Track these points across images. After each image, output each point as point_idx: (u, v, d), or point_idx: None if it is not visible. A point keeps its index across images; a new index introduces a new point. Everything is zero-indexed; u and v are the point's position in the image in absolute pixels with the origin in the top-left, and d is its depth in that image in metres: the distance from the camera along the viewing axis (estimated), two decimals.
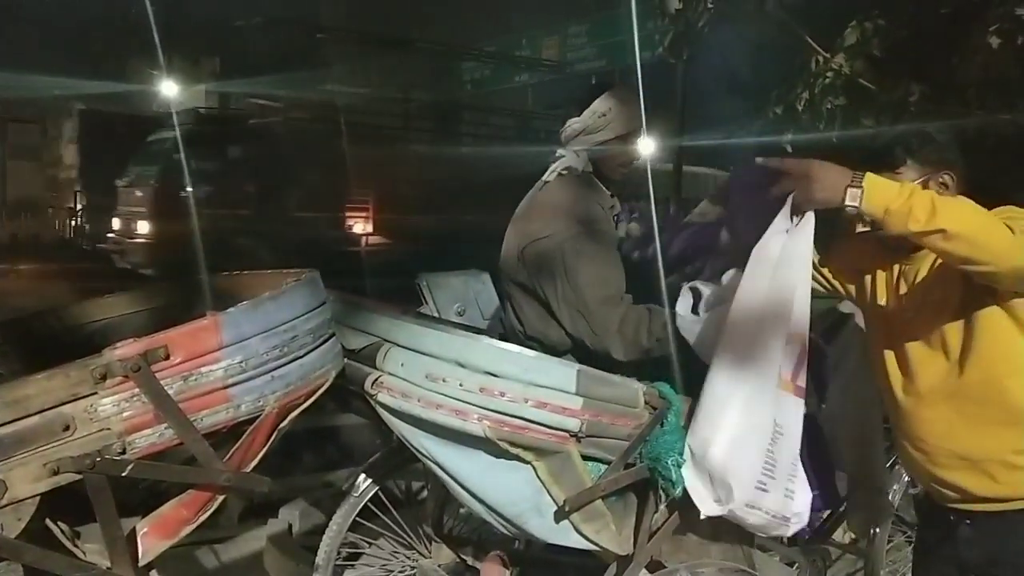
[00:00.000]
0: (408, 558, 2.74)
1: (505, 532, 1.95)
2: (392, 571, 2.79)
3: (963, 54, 4.07)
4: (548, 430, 1.66)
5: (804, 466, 2.47)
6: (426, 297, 3.60)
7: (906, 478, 3.11)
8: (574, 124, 2.49)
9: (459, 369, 1.65)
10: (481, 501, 1.84)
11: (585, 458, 1.76)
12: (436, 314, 3.50)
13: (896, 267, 1.94)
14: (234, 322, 1.39)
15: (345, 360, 1.83)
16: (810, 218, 1.78)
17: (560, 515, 1.76)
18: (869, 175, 1.67)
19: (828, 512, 2.78)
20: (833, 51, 4.55)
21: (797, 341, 1.83)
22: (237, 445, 1.43)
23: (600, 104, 2.46)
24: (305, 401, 1.51)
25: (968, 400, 1.81)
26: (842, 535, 3.15)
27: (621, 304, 2.24)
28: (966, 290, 1.76)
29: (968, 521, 1.87)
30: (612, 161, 2.51)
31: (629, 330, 2.19)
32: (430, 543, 2.66)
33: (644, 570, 2.00)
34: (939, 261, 1.78)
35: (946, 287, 1.80)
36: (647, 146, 2.82)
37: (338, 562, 2.75)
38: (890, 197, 1.63)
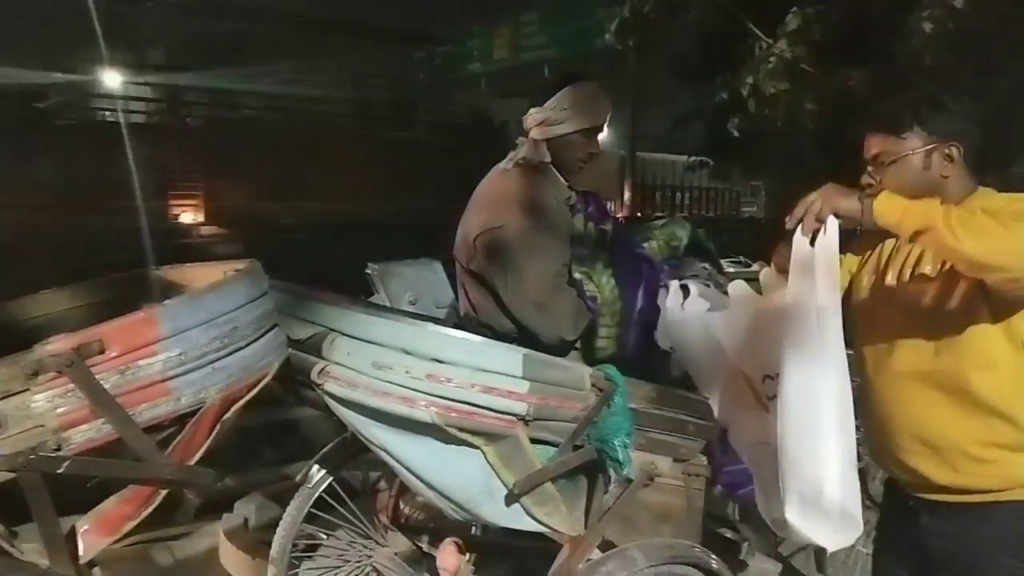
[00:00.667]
0: (365, 547, 2.74)
1: (458, 518, 1.95)
2: (349, 561, 2.79)
3: (899, 39, 4.17)
4: (496, 415, 1.67)
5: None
6: (377, 287, 3.58)
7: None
8: (535, 114, 2.47)
9: (406, 357, 1.65)
10: (432, 487, 1.84)
11: (534, 441, 1.77)
12: (388, 303, 3.49)
13: (883, 246, 1.94)
14: (172, 314, 1.37)
15: (291, 351, 1.82)
16: (833, 224, 1.71)
17: (511, 499, 1.77)
18: (882, 195, 1.68)
19: None
20: (776, 37, 4.63)
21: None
22: (179, 439, 1.41)
23: (564, 96, 2.45)
24: (248, 393, 1.49)
25: (937, 386, 1.78)
26: None
27: (565, 291, 2.28)
28: (950, 276, 1.73)
29: (929, 512, 1.85)
30: (571, 154, 2.50)
31: (571, 316, 2.24)
32: (386, 532, 2.66)
33: (596, 550, 2.03)
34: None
35: (932, 270, 1.78)
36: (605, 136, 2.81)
37: (294, 554, 2.74)
38: (896, 209, 1.65)
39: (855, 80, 4.48)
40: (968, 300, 1.72)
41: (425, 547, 2.54)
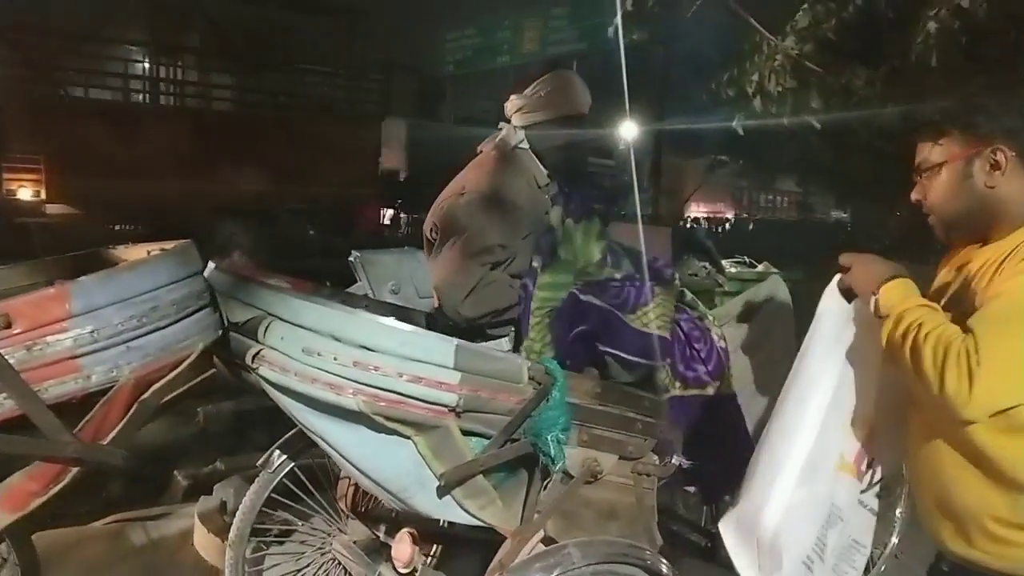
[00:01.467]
0: (326, 534, 2.74)
1: (397, 507, 1.94)
2: (308, 549, 2.79)
3: (907, 39, 4.07)
4: (424, 404, 1.65)
5: (725, 453, 2.49)
6: (359, 275, 3.57)
7: None
8: (515, 100, 2.52)
9: (334, 343, 1.63)
10: (367, 476, 1.83)
11: (469, 433, 1.75)
12: (369, 292, 3.48)
13: (943, 286, 1.70)
14: (84, 291, 1.36)
15: (231, 333, 1.82)
16: (866, 306, 1.62)
17: (441, 490, 1.75)
18: (896, 283, 1.55)
19: None
20: (784, 34, 4.55)
21: (861, 425, 1.73)
22: (89, 417, 1.40)
23: (540, 85, 2.49)
24: (169, 373, 1.48)
25: (961, 447, 1.52)
26: None
27: (481, 268, 2.25)
28: None
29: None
30: (547, 141, 2.51)
31: (476, 293, 2.21)
32: (346, 520, 2.65)
33: (541, 545, 2.00)
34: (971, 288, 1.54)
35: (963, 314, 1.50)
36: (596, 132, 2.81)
37: (262, 539, 2.76)
38: (890, 306, 1.53)
39: (863, 80, 4.39)
40: None
41: (383, 536, 2.53)
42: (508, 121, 2.55)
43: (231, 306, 1.87)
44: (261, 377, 1.72)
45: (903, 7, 4.30)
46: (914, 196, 1.65)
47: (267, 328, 1.72)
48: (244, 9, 13.78)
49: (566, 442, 1.78)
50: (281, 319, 1.72)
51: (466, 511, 1.80)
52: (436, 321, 2.74)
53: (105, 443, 1.44)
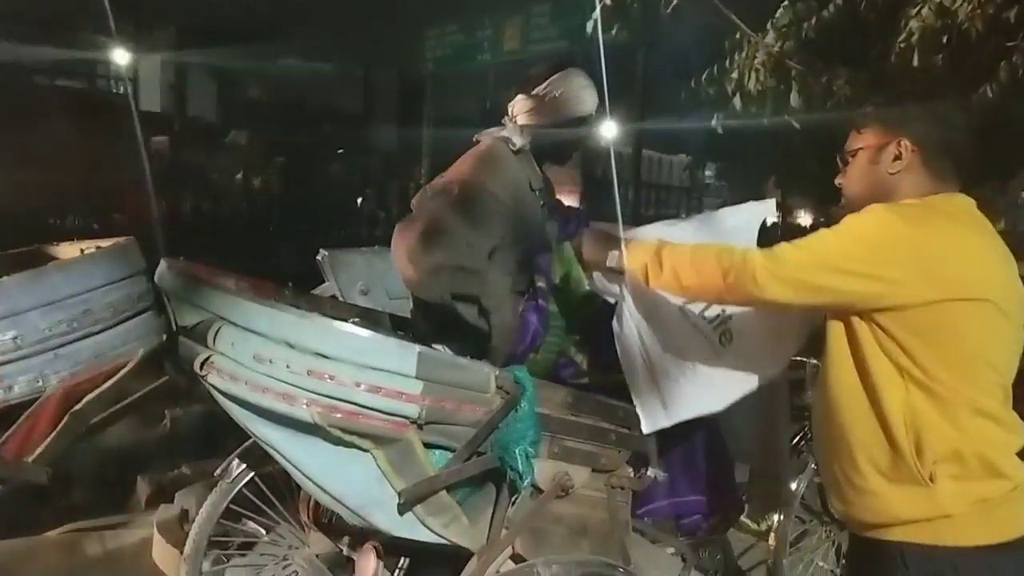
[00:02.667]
0: (288, 547, 2.62)
1: (357, 524, 1.83)
2: (270, 561, 2.68)
3: (889, 39, 4.01)
4: (384, 416, 1.54)
5: (699, 466, 2.41)
6: (328, 274, 3.46)
7: (812, 465, 3.07)
8: (524, 100, 2.39)
9: (287, 350, 1.52)
10: (324, 490, 1.72)
11: (431, 446, 1.65)
12: (338, 293, 3.37)
13: None
14: (4, 294, 1.24)
15: (180, 338, 1.70)
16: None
17: (401, 507, 1.64)
18: (630, 242, 1.89)
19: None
20: (765, 31, 4.47)
21: None
22: (12, 430, 1.28)
23: (553, 85, 2.37)
24: (104, 382, 1.36)
25: (825, 412, 1.73)
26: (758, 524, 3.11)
27: (450, 250, 2.06)
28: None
29: (852, 543, 1.81)
30: (556, 142, 2.40)
31: (444, 275, 2.01)
32: (308, 532, 2.54)
33: (510, 562, 1.90)
34: None
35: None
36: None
37: (225, 552, 2.64)
38: (634, 261, 1.84)
39: (843, 80, 4.32)
40: (834, 323, 1.68)
41: (346, 550, 2.42)
42: (512, 119, 2.41)
43: (181, 309, 1.76)
44: (209, 385, 1.60)
45: (885, 6, 4.24)
46: (837, 180, 1.85)
47: (217, 333, 1.61)
48: None
49: (535, 455, 1.68)
50: (232, 323, 1.61)
51: (428, 529, 1.70)
52: (408, 325, 2.62)
53: (31, 459, 1.31)
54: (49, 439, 1.31)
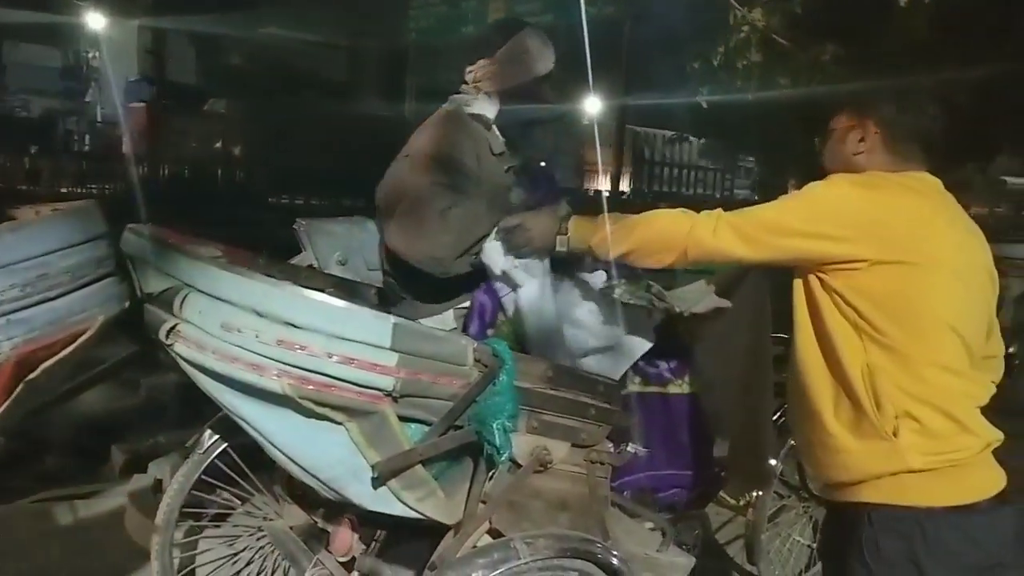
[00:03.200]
0: (262, 518, 2.59)
1: (330, 497, 1.79)
2: (244, 533, 2.64)
3: (876, 15, 3.97)
4: (357, 388, 1.49)
5: (678, 440, 2.39)
6: (305, 244, 3.39)
7: (791, 441, 3.07)
8: (486, 65, 2.34)
9: (256, 318, 1.47)
10: (296, 463, 1.68)
11: (406, 419, 1.61)
12: (315, 263, 3.30)
13: None
14: None
15: (146, 306, 1.64)
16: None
17: (376, 481, 1.60)
18: (574, 220, 2.03)
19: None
20: (751, 6, 4.41)
21: None
22: None
23: (512, 46, 2.33)
24: (61, 350, 1.30)
25: (795, 376, 1.83)
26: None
27: (445, 210, 2.11)
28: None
29: (828, 510, 1.92)
30: (523, 103, 2.36)
31: (452, 225, 2.09)
32: (283, 504, 2.50)
33: (487, 537, 1.87)
34: None
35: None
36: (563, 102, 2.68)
37: (197, 523, 2.60)
38: (586, 236, 1.99)
39: (829, 56, 4.28)
40: (795, 283, 1.80)
41: (321, 522, 2.38)
42: (473, 85, 2.38)
43: (147, 275, 1.70)
44: (175, 354, 1.55)
45: None
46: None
47: (184, 300, 1.55)
48: None
49: (513, 430, 1.64)
50: (199, 291, 1.55)
51: (404, 503, 1.66)
52: (386, 295, 2.58)
53: None
54: (2, 408, 1.25)
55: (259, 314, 1.46)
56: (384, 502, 1.66)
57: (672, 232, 1.84)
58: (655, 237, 1.87)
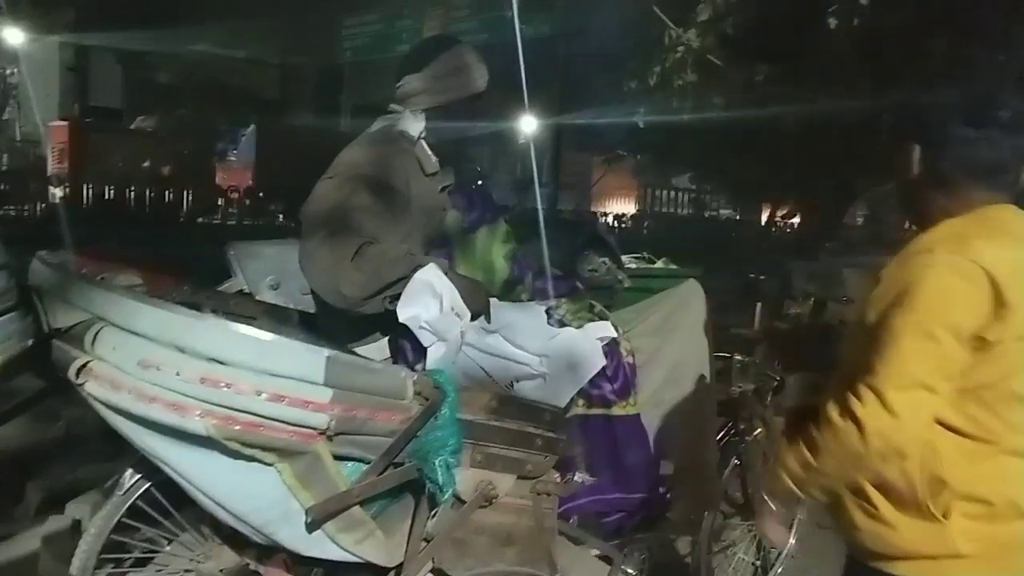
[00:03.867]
0: (191, 560, 2.44)
1: (261, 542, 1.68)
2: None
3: (806, 37, 4.05)
4: (289, 427, 1.40)
5: (623, 464, 2.34)
6: (235, 269, 3.25)
7: (735, 461, 3.06)
8: (414, 82, 2.23)
9: (177, 354, 1.36)
10: (223, 508, 1.56)
11: (342, 458, 1.51)
12: (246, 288, 3.17)
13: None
14: None
15: (54, 342, 1.52)
16: None
17: (310, 525, 1.50)
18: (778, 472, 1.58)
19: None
20: (686, 27, 4.46)
21: None
22: None
23: (443, 63, 2.23)
24: None
25: None
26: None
27: (358, 242, 1.95)
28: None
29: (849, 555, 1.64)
30: (453, 122, 2.27)
31: (367, 264, 1.90)
32: (212, 545, 2.36)
33: None
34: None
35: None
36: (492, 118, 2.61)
37: (118, 570, 2.43)
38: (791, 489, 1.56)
39: (762, 77, 4.35)
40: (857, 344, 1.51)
41: (253, 564, 2.25)
42: (401, 103, 2.29)
43: (55, 308, 1.57)
44: (87, 394, 1.43)
45: (802, 4, 4.28)
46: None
47: (96, 335, 1.43)
48: None
49: (457, 465, 1.56)
50: (114, 324, 1.44)
51: (340, 546, 1.56)
52: (320, 323, 2.47)
53: None
54: None
55: (180, 349, 1.36)
56: (319, 546, 1.56)
57: (846, 451, 1.43)
58: (841, 461, 1.46)
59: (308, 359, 1.40)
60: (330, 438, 1.44)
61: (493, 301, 2.17)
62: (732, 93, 4.45)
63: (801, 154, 5.21)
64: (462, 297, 1.92)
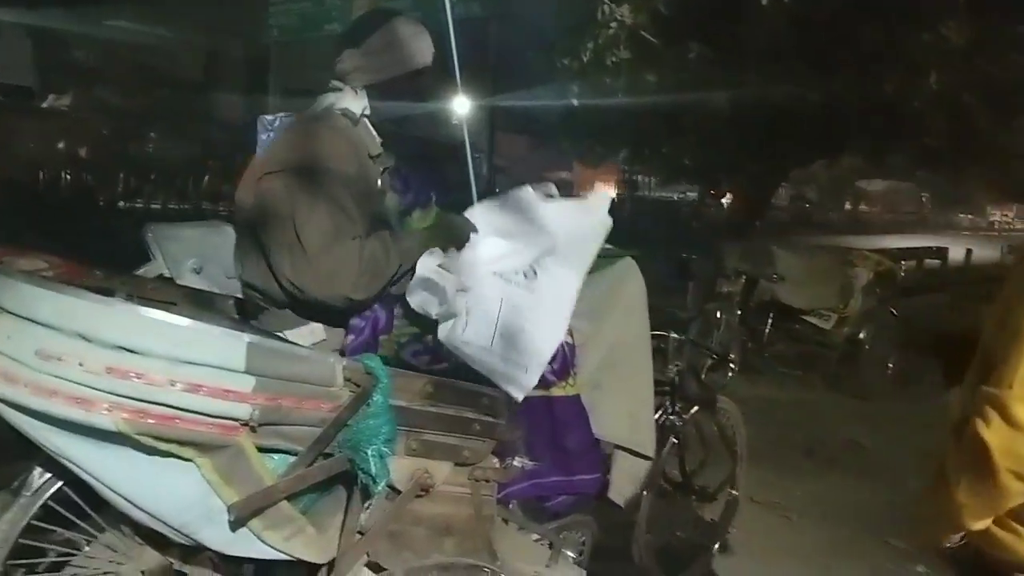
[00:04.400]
0: (111, 561, 2.30)
1: (183, 543, 1.58)
2: None
3: (741, 15, 4.06)
4: (207, 419, 1.30)
5: (561, 446, 2.31)
6: (154, 252, 3.08)
7: (673, 440, 3.07)
8: (354, 58, 2.12)
9: (81, 343, 1.24)
10: (139, 508, 1.45)
11: (268, 450, 1.42)
12: (166, 272, 3.01)
13: None
14: None
15: None
16: None
17: (234, 523, 1.41)
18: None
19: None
20: (619, 2, 4.42)
21: None
22: None
23: (383, 36, 2.13)
24: None
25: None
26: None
27: (354, 242, 1.90)
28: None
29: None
30: (396, 101, 2.17)
31: (370, 265, 1.89)
32: (132, 544, 2.23)
33: (366, 570, 1.70)
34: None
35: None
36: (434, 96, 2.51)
37: (18, 574, 2.27)
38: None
39: (695, 55, 4.35)
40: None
41: (177, 564, 2.14)
42: (341, 81, 2.17)
43: None
44: None
45: None
46: None
47: None
48: None
49: (391, 454, 1.48)
50: (8, 312, 1.31)
51: (267, 544, 1.47)
52: (247, 307, 2.36)
53: None
54: None
55: (84, 337, 1.24)
56: (245, 545, 1.46)
57: (978, 479, 1.33)
58: (977, 492, 1.35)
59: (227, 345, 1.30)
60: (253, 429, 1.34)
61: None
62: (665, 72, 4.44)
63: (732, 134, 5.23)
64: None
